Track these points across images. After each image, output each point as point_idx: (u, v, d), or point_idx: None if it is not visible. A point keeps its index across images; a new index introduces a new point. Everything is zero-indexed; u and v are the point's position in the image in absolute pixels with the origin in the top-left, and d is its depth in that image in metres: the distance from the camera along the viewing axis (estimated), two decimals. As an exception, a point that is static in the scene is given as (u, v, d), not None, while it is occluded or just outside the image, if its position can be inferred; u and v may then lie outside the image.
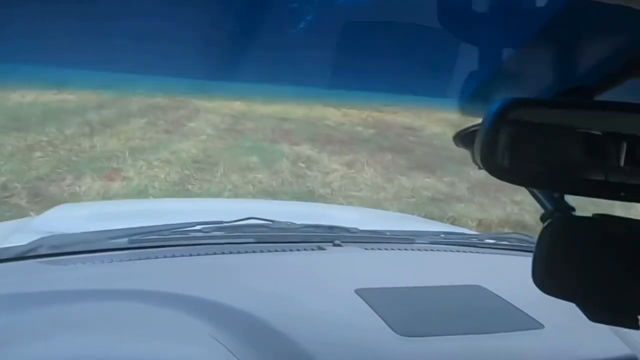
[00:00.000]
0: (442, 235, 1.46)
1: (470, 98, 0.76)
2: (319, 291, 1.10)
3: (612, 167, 0.56)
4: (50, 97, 9.42)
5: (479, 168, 0.71)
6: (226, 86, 0.83)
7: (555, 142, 0.58)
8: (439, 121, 10.90)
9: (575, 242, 0.62)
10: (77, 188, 4.86)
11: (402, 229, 1.47)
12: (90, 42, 0.66)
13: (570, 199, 0.67)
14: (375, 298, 1.05)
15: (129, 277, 1.08)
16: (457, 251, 1.38)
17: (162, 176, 5.38)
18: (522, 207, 5.19)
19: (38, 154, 5.86)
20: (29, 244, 1.14)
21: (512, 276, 1.20)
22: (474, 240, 1.46)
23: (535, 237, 1.59)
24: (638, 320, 0.60)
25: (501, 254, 1.40)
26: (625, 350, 0.98)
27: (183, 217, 1.36)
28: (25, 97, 8.48)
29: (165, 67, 0.74)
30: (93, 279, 1.07)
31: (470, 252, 1.39)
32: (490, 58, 0.68)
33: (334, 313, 1.03)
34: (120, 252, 1.17)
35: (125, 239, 1.20)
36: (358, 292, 1.08)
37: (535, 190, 0.74)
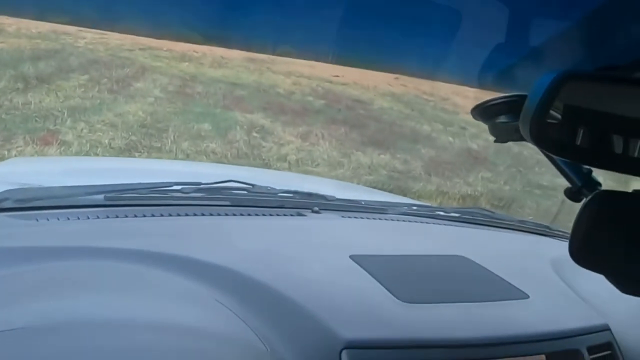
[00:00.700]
0: (413, 207, 1.45)
1: (499, 73, 0.72)
2: (311, 255, 1.06)
3: None
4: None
5: (496, 141, 0.73)
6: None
7: (604, 118, 0.56)
8: (385, 95, 10.70)
9: (616, 217, 0.61)
10: (6, 152, 4.22)
11: (373, 199, 1.46)
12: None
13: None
14: (370, 264, 1.03)
15: (108, 235, 1.00)
16: (427, 222, 1.38)
17: (106, 141, 4.82)
18: (474, 188, 5.06)
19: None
20: None
21: (485, 247, 1.21)
22: (441, 213, 1.46)
23: (496, 213, 1.46)
24: None
25: (467, 227, 1.41)
26: (599, 320, 1.01)
27: (159, 176, 1.26)
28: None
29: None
30: (70, 235, 0.97)
31: (439, 224, 1.39)
32: (526, 34, 0.64)
33: (333, 276, 0.99)
34: (96, 209, 1.08)
35: (101, 196, 1.10)
36: (353, 257, 1.05)
37: (563, 166, 0.72)
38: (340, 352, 0.81)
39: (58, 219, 1.02)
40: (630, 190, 0.62)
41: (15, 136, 4.58)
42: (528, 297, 1.04)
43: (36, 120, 5.08)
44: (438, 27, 0.66)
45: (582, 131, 0.56)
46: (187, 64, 10.06)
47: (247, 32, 0.72)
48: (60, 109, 5.65)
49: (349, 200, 1.38)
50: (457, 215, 1.46)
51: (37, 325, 0.68)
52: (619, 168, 0.57)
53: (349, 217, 1.31)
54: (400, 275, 1.03)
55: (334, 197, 1.36)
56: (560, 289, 1.11)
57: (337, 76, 10.85)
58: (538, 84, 0.54)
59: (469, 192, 4.88)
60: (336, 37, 0.71)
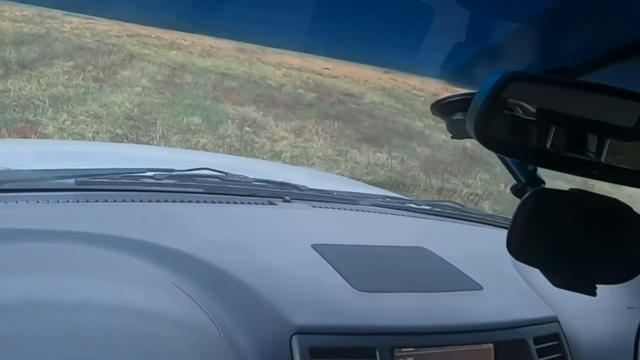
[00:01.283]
0: (385, 199, 1.44)
1: (456, 70, 0.72)
2: (275, 243, 1.06)
3: (591, 147, 0.56)
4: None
5: (453, 137, 0.76)
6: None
7: (543, 118, 0.57)
8: (376, 89, 10.40)
9: (552, 214, 0.62)
10: (-18, 144, 3.82)
11: (345, 190, 1.45)
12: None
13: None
14: (331, 253, 1.03)
15: (78, 220, 0.98)
16: (397, 214, 1.37)
17: (90, 135, 4.43)
18: (474, 190, 4.80)
19: None
20: None
21: (448, 240, 1.20)
22: (412, 205, 1.46)
23: (466, 207, 1.49)
24: (596, 288, 0.62)
25: (436, 219, 1.40)
26: (548, 312, 1.02)
27: (132, 162, 1.25)
28: None
29: None
30: (38, 218, 0.96)
31: (409, 215, 1.38)
32: (480, 33, 0.64)
33: (293, 265, 0.99)
34: (66, 192, 1.06)
35: (72, 180, 1.08)
36: (315, 247, 1.05)
37: (509, 163, 0.75)
38: (291, 337, 0.81)
39: (27, 202, 0.99)
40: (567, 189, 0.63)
41: (-9, 127, 4.19)
42: (482, 288, 1.04)
43: (15, 110, 4.66)
44: (409, 21, 0.65)
45: (523, 130, 0.57)
46: (175, 52, 9.62)
47: (236, 22, 0.70)
48: (41, 98, 5.24)
49: (321, 190, 1.36)
50: (427, 207, 1.46)
51: None
52: (555, 166, 0.58)
53: (320, 207, 1.29)
54: (359, 265, 1.03)
55: (306, 187, 1.34)
56: (515, 282, 1.11)
57: (328, 69, 10.52)
58: (485, 83, 0.54)
59: (471, 198, 4.61)
60: (325, 30, 0.69)
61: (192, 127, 5.21)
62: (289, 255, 1.02)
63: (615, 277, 0.65)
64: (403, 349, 0.88)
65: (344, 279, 0.96)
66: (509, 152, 0.61)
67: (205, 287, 0.86)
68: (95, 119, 4.89)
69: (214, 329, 0.78)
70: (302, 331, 0.83)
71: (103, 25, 9.36)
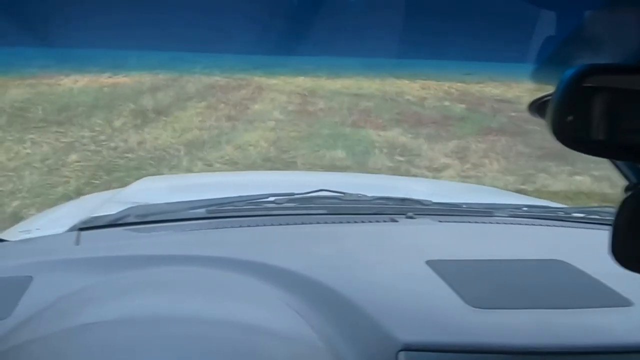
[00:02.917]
0: (524, 209, 1.28)
1: (546, 64, 0.66)
2: (389, 262, 1.01)
3: None
4: (103, 81, 8.02)
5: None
6: (287, 62, 0.75)
7: (633, 111, 0.50)
8: (532, 90, 8.83)
9: None
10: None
11: (478, 201, 1.33)
12: (144, 19, 0.61)
13: None
14: (446, 269, 0.95)
15: (207, 245, 1.06)
16: (540, 225, 1.20)
17: (227, 186, 3.73)
18: None
19: (74, 157, 4.34)
20: (118, 213, 1.15)
21: (597, 251, 0.91)
22: (560, 213, 1.28)
23: None
24: None
25: (590, 228, 1.20)
26: None
27: (256, 189, 1.29)
28: (77, 83, 7.08)
29: (223, 43, 0.66)
30: (175, 245, 1.06)
31: (555, 225, 1.21)
32: (568, 21, 0.60)
33: (402, 281, 0.94)
34: (198, 221, 1.15)
35: (203, 210, 1.18)
36: (429, 262, 0.98)
37: (616, 162, 0.66)
38: (397, 353, 0.78)
39: (166, 232, 1.11)
40: None
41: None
42: (631, 305, 0.87)
43: (150, 164, 4.16)
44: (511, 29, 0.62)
45: (606, 126, 0.51)
46: (302, 78, 8.99)
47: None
48: (176, 146, 4.74)
49: (448, 204, 1.26)
50: (580, 215, 1.27)
51: (118, 318, 0.79)
52: None
53: (447, 222, 1.19)
54: (478, 281, 0.93)
55: (430, 201, 1.27)
56: None
57: (469, 74, 9.21)
58: (561, 79, 0.49)
59: None
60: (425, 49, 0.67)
61: (337, 163, 4.33)
62: (399, 272, 0.97)
63: None
64: None
65: (457, 294, 0.88)
66: (597, 151, 0.53)
67: (313, 304, 0.86)
68: (231, 164, 4.23)
69: (318, 343, 0.78)
70: (408, 348, 0.78)
71: (230, 62, 9.08)
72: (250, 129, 5.40)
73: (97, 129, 5.22)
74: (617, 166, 0.67)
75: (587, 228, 1.20)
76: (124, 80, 8.25)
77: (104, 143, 4.78)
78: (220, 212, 1.17)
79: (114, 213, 1.17)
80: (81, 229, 1.11)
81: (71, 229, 1.13)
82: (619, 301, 0.89)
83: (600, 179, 3.99)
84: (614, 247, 0.56)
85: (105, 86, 6.90)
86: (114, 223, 1.14)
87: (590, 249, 1.06)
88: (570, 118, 0.50)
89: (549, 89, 0.65)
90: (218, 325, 0.78)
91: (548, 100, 0.64)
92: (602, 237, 1.19)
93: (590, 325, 0.84)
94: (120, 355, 0.71)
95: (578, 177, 3.98)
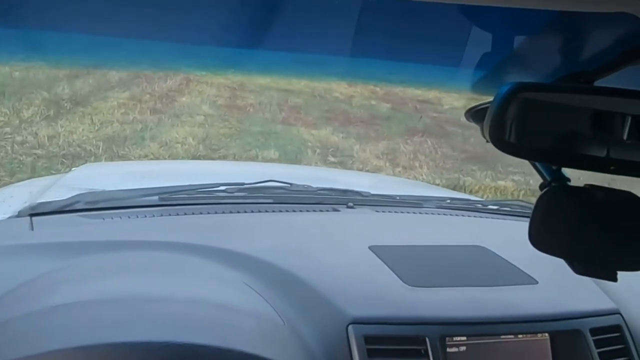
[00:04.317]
0: (448, 201, 1.37)
1: (483, 79, 0.74)
2: (336, 247, 1.07)
3: (602, 144, 0.57)
4: (14, 64, 7.09)
5: (487, 142, 0.74)
6: (218, 54, 0.70)
7: (554, 121, 0.58)
8: (450, 92, 9.04)
9: (568, 208, 0.64)
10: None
11: (410, 194, 1.41)
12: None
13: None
14: (387, 254, 1.03)
15: (164, 231, 1.06)
16: (462, 215, 1.30)
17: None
18: None
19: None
20: (67, 199, 1.13)
21: (510, 238, 1.16)
22: (479, 205, 1.39)
23: None
24: (616, 274, 0.63)
25: (503, 218, 1.32)
26: (609, 304, 0.97)
27: (206, 178, 1.28)
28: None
29: (151, 29, 0.61)
30: (132, 231, 1.06)
31: (474, 216, 1.31)
32: (502, 44, 0.65)
33: (349, 265, 1.01)
34: (151, 208, 1.14)
35: (156, 197, 1.17)
36: (372, 248, 1.05)
37: (535, 164, 0.74)
38: (347, 326, 0.84)
39: (120, 218, 1.09)
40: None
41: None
42: (537, 282, 1.00)
43: (62, 162, 3.63)
44: (441, 39, 0.64)
45: (533, 133, 0.58)
46: (232, 71, 8.55)
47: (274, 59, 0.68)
48: (94, 142, 4.21)
49: (384, 195, 1.33)
50: (494, 207, 1.38)
51: (97, 299, 0.80)
52: (566, 164, 0.61)
53: (382, 211, 1.26)
54: (413, 263, 1.02)
55: (369, 192, 1.32)
56: (576, 276, 0.87)
57: (393, 74, 9.22)
58: (497, 93, 0.56)
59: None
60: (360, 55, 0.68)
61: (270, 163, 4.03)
62: (346, 257, 1.03)
63: (635, 264, 0.64)
64: (455, 338, 0.86)
65: (397, 275, 0.96)
66: (523, 154, 0.61)
67: (271, 285, 0.90)
68: (156, 164, 3.79)
69: (279, 320, 0.83)
70: (357, 321, 0.85)
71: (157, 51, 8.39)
72: (177, 123, 4.96)
73: (1, 119, 4.52)
74: (535, 166, 0.74)
75: (501, 219, 1.32)
76: (39, 64, 7.38)
77: (8, 137, 4.14)
78: (172, 200, 1.17)
79: (64, 199, 1.13)
80: (32, 215, 1.07)
81: (20, 215, 1.09)
82: (527, 280, 1.00)
83: (519, 184, 4.02)
84: (531, 234, 0.63)
85: (16, 70, 6.08)
86: (65, 209, 1.11)
87: (504, 237, 1.18)
88: (503, 125, 0.55)
89: (484, 99, 0.72)
90: (193, 304, 0.81)
91: (483, 109, 0.70)
92: (513, 226, 1.24)
93: (506, 300, 0.95)
94: (103, 333, 0.72)
95: (502, 183, 3.99)
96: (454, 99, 8.07)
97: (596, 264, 0.64)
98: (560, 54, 0.64)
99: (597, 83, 0.62)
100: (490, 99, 0.66)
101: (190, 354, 0.70)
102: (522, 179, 4.13)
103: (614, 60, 0.59)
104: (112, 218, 1.09)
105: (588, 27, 0.57)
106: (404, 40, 0.64)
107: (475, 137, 5.88)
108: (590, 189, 0.63)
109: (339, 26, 0.62)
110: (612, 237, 0.63)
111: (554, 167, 0.72)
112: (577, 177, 0.68)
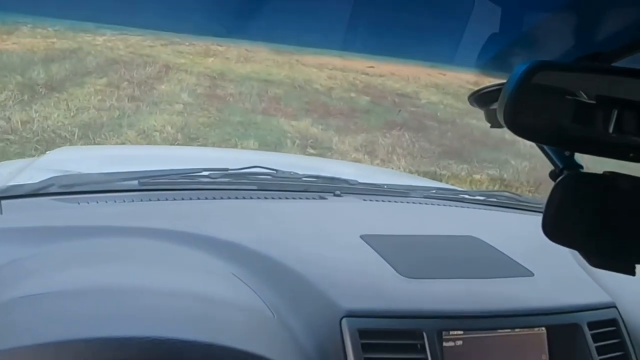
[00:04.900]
0: (435, 191, 1.34)
1: (492, 60, 0.69)
2: (326, 236, 1.02)
3: (623, 130, 0.52)
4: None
5: (492, 127, 0.72)
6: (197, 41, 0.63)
7: (573, 104, 0.53)
8: (429, 86, 8.97)
9: (585, 196, 0.59)
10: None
11: (396, 183, 1.35)
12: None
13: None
14: (379, 243, 0.98)
15: (143, 217, 0.99)
16: (449, 205, 1.27)
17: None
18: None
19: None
20: (41, 182, 1.04)
21: (502, 229, 1.17)
22: (465, 196, 1.33)
23: (523, 196, 1.42)
24: (634, 267, 0.59)
25: (490, 209, 1.29)
26: (606, 298, 0.95)
27: (189, 163, 1.22)
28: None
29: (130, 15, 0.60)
30: (109, 216, 0.98)
31: (462, 206, 1.27)
32: (513, 22, 0.60)
33: (341, 255, 0.96)
34: (130, 193, 1.07)
35: (136, 181, 1.09)
36: (363, 237, 1.00)
37: (546, 149, 0.70)
38: (341, 319, 0.80)
39: (97, 202, 1.03)
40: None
41: None
42: (532, 274, 0.96)
43: (36, 148, 3.50)
44: (446, 14, 0.60)
45: (550, 117, 0.54)
46: (212, 59, 8.37)
47: (270, 24, 0.63)
48: (69, 128, 4.08)
49: (371, 184, 1.28)
50: (481, 198, 1.34)
51: (71, 289, 0.72)
52: (588, 150, 0.55)
53: (370, 200, 1.21)
54: (407, 254, 0.98)
55: (356, 181, 1.27)
56: (571, 269, 1.01)
57: (372, 67, 9.14)
58: (513, 73, 0.51)
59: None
60: (361, 26, 0.63)
61: (249, 154, 3.98)
62: (338, 246, 0.98)
63: None
64: (451, 332, 0.83)
65: (392, 266, 0.91)
66: (538, 138, 0.57)
67: (260, 276, 0.85)
68: (133, 152, 3.70)
69: (268, 312, 0.78)
70: (351, 314, 0.81)
71: (136, 36, 8.18)
72: (155, 111, 4.84)
73: (-28, 103, 4.35)
74: (545, 152, 0.70)
75: (488, 209, 1.29)
76: (13, 47, 7.08)
77: (-20, 121, 3.98)
78: (153, 185, 1.10)
79: (37, 182, 1.04)
80: (1, 198, 0.99)
81: None
82: (523, 272, 0.97)
83: (494, 180, 4.07)
84: (545, 225, 0.58)
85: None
86: (37, 192, 1.02)
87: (495, 228, 1.16)
88: (520, 107, 0.51)
89: (485, 82, 0.69)
90: (173, 296, 0.75)
91: (488, 92, 0.67)
92: (502, 217, 1.23)
93: (503, 293, 0.91)
94: (76, 327, 0.65)
95: (476, 176, 4.03)
96: (432, 94, 8.12)
97: (614, 256, 0.59)
98: (576, 33, 0.60)
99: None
100: (496, 81, 0.63)
101: (173, 350, 0.64)
102: (497, 173, 4.18)
103: (633, 41, 0.54)
104: (88, 202, 1.02)
105: (607, 3, 0.53)
106: (406, 14, 0.61)
107: (452, 132, 5.92)
108: (610, 176, 0.58)
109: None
110: (630, 227, 0.58)
111: (566, 154, 0.68)
112: (585, 165, 0.66)
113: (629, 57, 0.55)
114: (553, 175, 0.67)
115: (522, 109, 0.52)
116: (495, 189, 3.66)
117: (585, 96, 0.53)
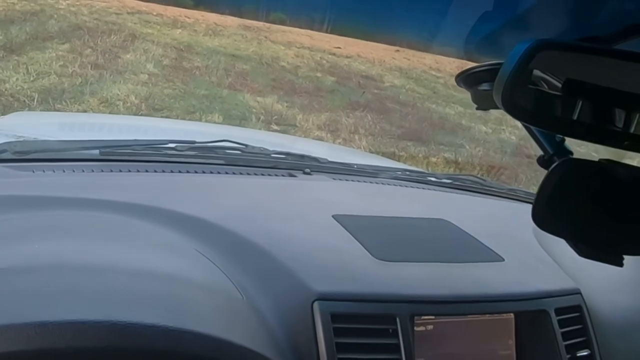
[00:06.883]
0: (405, 172, 1.32)
1: (482, 41, 0.64)
2: (295, 214, 0.97)
3: (620, 117, 0.49)
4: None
5: (478, 108, 0.69)
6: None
7: (573, 88, 0.49)
8: (393, 70, 8.98)
9: (580, 183, 0.55)
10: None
11: (365, 163, 1.31)
12: None
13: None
14: (352, 223, 0.94)
15: (104, 188, 0.90)
16: (418, 187, 1.24)
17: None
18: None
19: None
20: None
21: (470, 212, 1.13)
22: (432, 178, 1.30)
23: (489, 181, 1.43)
24: (622, 259, 0.56)
25: (457, 193, 1.26)
26: (570, 284, 0.94)
27: (155, 134, 1.20)
28: None
29: None
30: (67, 187, 0.89)
31: (430, 189, 1.25)
32: (507, 1, 0.57)
33: (313, 234, 0.91)
34: (90, 162, 0.99)
35: (97, 151, 1.01)
36: (335, 217, 0.96)
37: (536, 133, 0.67)
38: (313, 302, 0.75)
39: (54, 171, 0.94)
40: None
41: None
42: (503, 260, 0.95)
43: (-7, 110, 3.30)
44: None
45: (551, 99, 0.51)
46: (180, 31, 8.07)
47: None
48: (29, 92, 3.85)
49: (341, 163, 1.24)
50: (448, 181, 1.31)
51: (19, 266, 0.64)
52: (584, 136, 0.50)
53: (339, 179, 1.18)
54: (379, 235, 0.94)
55: (326, 159, 1.22)
56: (537, 255, 1.01)
57: (339, 47, 9.05)
58: (512, 52, 0.47)
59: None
60: (330, 4, 0.63)
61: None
62: (309, 225, 0.93)
63: None
64: (423, 317, 0.81)
65: (365, 248, 0.88)
66: (537, 122, 0.53)
67: (227, 254, 0.79)
68: (95, 120, 3.54)
69: (236, 294, 0.73)
70: (323, 297, 0.76)
71: (101, 2, 7.78)
72: (119, 80, 4.64)
73: None
74: (534, 137, 0.66)
75: (455, 192, 1.26)
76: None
77: None
78: (116, 155, 1.01)
79: None
80: None
81: None
82: (494, 257, 0.95)
83: (450, 163, 4.15)
84: (535, 213, 0.55)
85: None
86: None
87: (464, 211, 1.13)
88: (518, 88, 0.47)
89: (470, 63, 0.65)
90: (134, 276, 0.68)
91: (476, 73, 0.64)
92: (470, 201, 1.22)
93: (474, 277, 0.89)
94: (24, 308, 0.57)
95: (432, 159, 4.10)
96: (395, 77, 8.15)
97: (602, 247, 0.56)
98: (573, 15, 0.56)
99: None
100: (483, 62, 0.59)
101: (133, 335, 0.57)
102: (452, 157, 4.26)
103: (633, 26, 0.50)
104: (44, 171, 0.92)
105: None
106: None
107: (412, 115, 5.98)
108: (607, 164, 0.54)
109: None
110: (622, 218, 0.55)
111: (557, 139, 0.65)
112: (576, 151, 0.63)
113: (628, 42, 0.51)
114: (542, 161, 0.64)
115: (521, 90, 0.48)
116: (450, 171, 3.74)
117: (588, 80, 0.50)
